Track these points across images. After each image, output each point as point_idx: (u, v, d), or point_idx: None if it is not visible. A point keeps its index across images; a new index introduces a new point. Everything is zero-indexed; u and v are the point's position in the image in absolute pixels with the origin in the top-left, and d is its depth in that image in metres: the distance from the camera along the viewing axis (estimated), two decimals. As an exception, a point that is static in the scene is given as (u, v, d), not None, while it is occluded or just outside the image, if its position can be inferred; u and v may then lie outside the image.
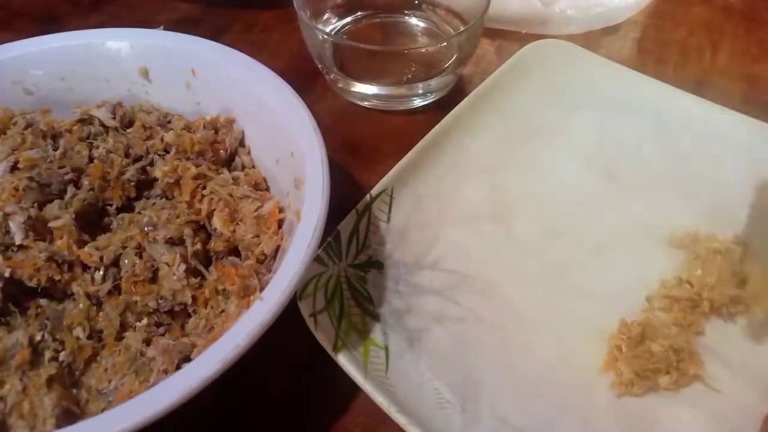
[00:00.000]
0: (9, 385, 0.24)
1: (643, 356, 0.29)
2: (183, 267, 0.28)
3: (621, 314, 0.31)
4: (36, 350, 0.25)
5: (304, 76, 0.44)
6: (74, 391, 0.25)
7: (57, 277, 0.27)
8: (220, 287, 0.28)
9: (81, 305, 0.27)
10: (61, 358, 0.25)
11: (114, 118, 0.34)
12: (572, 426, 0.28)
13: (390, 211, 0.34)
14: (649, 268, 0.33)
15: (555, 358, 0.30)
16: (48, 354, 0.25)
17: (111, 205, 0.31)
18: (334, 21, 0.47)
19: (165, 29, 0.36)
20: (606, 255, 0.34)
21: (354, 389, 0.27)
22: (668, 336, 0.30)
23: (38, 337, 0.26)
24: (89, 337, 0.26)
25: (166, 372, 0.25)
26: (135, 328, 0.27)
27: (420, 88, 0.42)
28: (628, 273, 0.33)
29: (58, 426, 0.23)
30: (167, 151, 0.32)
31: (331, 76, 0.43)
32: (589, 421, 0.28)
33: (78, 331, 0.26)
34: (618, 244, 0.34)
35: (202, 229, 0.30)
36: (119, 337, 0.27)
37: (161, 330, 0.27)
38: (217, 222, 0.30)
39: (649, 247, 0.34)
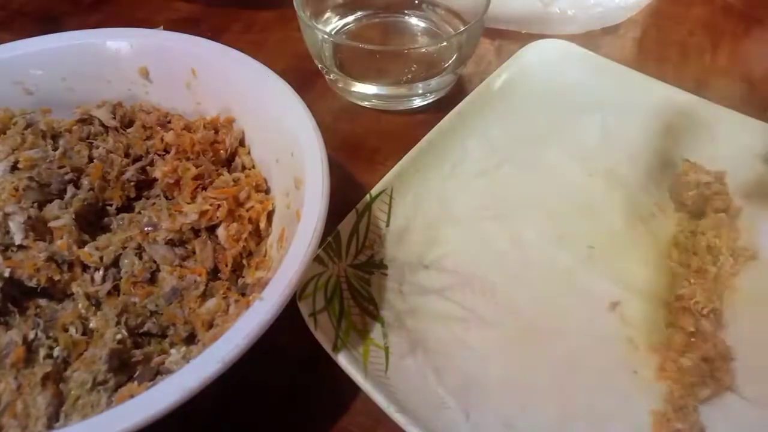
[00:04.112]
0: (3, 384, 0.24)
1: (676, 373, 0.29)
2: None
3: (626, 314, 0.31)
4: (30, 349, 0.25)
5: (304, 76, 0.44)
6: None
7: (57, 277, 0.27)
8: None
9: (80, 305, 0.27)
10: (55, 354, 0.25)
11: (114, 118, 0.34)
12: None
13: (390, 211, 0.34)
14: (652, 268, 0.33)
15: (562, 361, 0.30)
16: (42, 352, 0.25)
17: (111, 205, 0.31)
18: (334, 21, 0.47)
19: (165, 29, 0.36)
20: (608, 255, 0.34)
21: (354, 389, 0.27)
22: (694, 347, 0.29)
23: (32, 335, 0.25)
24: (83, 335, 0.26)
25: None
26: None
27: (420, 88, 0.42)
28: (630, 273, 0.33)
29: (50, 426, 0.23)
30: (167, 151, 0.32)
31: (331, 76, 0.43)
32: (600, 426, 0.27)
33: (72, 330, 0.26)
34: (619, 243, 0.34)
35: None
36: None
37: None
38: (222, 236, 0.30)
39: (650, 246, 0.34)
